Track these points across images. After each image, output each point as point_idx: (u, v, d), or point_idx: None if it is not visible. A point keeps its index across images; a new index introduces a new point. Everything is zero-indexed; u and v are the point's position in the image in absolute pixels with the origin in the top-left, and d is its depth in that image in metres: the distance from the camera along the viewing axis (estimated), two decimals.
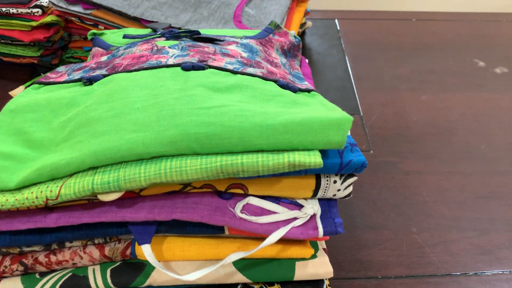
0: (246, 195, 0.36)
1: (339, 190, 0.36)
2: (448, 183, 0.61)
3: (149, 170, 0.31)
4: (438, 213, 0.58)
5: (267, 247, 0.36)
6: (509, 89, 0.78)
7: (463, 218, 0.57)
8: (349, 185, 0.36)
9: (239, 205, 0.35)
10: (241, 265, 0.36)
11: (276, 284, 0.38)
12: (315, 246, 0.38)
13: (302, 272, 0.36)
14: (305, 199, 0.37)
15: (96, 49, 0.54)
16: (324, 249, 0.39)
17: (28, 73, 0.76)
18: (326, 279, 0.38)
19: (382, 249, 0.54)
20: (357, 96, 0.76)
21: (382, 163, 0.64)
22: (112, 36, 0.56)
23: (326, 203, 0.37)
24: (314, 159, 0.31)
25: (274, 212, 0.35)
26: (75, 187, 0.31)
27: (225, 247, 0.36)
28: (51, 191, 0.31)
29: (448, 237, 0.55)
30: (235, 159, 0.31)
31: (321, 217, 0.36)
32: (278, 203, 0.36)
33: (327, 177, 0.36)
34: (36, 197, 0.31)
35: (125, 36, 0.54)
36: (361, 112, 0.72)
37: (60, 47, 0.76)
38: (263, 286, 0.37)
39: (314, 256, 0.37)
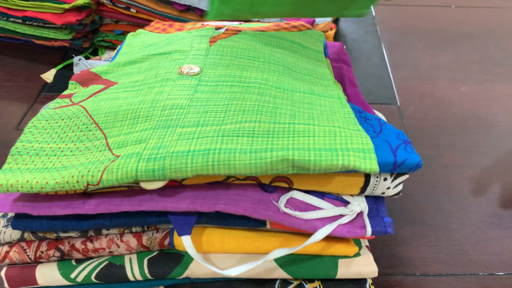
0: (290, 189, 0.34)
1: (388, 188, 0.34)
2: (489, 178, 0.58)
3: (197, 161, 0.29)
4: (480, 209, 0.55)
5: (310, 244, 0.34)
6: None
7: (506, 215, 0.54)
8: (399, 184, 0.34)
9: (283, 199, 0.33)
10: (282, 260, 0.34)
11: (316, 281, 0.36)
12: (358, 244, 0.36)
13: (346, 270, 0.34)
14: (351, 195, 0.34)
15: None
16: (367, 246, 0.37)
17: (60, 56, 0.75)
18: (369, 278, 0.36)
19: (420, 245, 0.51)
20: (394, 85, 0.72)
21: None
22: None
23: (374, 201, 0.35)
24: (370, 165, 0.29)
25: (319, 208, 0.33)
26: (118, 173, 0.29)
27: (266, 241, 0.34)
28: (92, 176, 0.30)
29: (490, 234, 0.52)
30: (286, 155, 0.29)
31: (368, 215, 0.34)
32: (323, 199, 0.34)
33: (377, 175, 0.33)
34: (77, 181, 0.30)
35: None
36: (398, 102, 0.69)
37: (91, 31, 0.74)
38: (302, 282, 0.36)
39: (357, 254, 0.35)
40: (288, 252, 0.31)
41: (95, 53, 0.77)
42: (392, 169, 0.32)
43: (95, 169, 0.30)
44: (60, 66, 0.71)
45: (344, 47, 0.63)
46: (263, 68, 0.40)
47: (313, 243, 0.34)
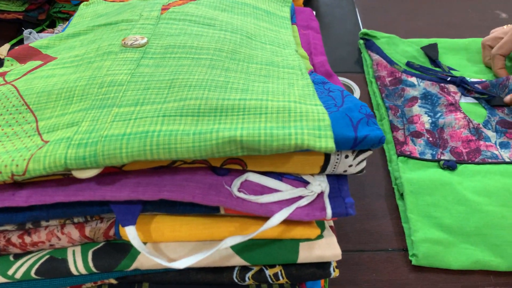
0: (244, 171, 0.31)
1: (350, 165, 0.31)
2: None
3: (132, 145, 0.26)
4: None
5: (266, 229, 0.31)
6: None
7: None
8: (362, 161, 0.31)
9: (236, 183, 0.30)
10: (239, 247, 0.32)
11: (278, 266, 0.33)
12: (321, 225, 0.33)
13: (307, 254, 0.32)
14: (312, 175, 0.32)
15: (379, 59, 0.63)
16: (331, 227, 0.35)
17: (14, 29, 0.70)
18: (333, 261, 0.34)
19: (393, 219, 0.49)
20: None
21: None
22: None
23: (336, 180, 0.32)
24: (326, 143, 0.26)
25: (277, 190, 0.30)
26: (45, 162, 0.26)
27: (221, 227, 0.31)
28: (17, 165, 0.26)
29: None
30: (234, 135, 0.26)
31: (329, 195, 0.31)
32: (281, 180, 0.31)
33: (338, 152, 0.30)
34: (0, 172, 0.26)
35: (408, 64, 0.62)
36: None
37: (47, 1, 0.69)
38: (263, 267, 0.33)
39: (320, 237, 0.33)
40: (242, 239, 0.29)
41: (52, 25, 0.71)
42: (352, 145, 0.29)
43: (20, 158, 0.26)
44: (14, 41, 0.66)
45: (314, 12, 0.59)
46: (218, 37, 0.37)
47: (271, 227, 0.31)
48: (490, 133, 0.54)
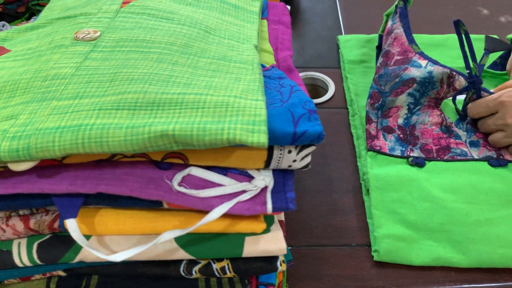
0: (187, 165, 0.31)
1: (294, 160, 0.31)
2: None
3: (65, 138, 0.26)
4: None
5: (213, 221, 0.31)
6: None
7: None
8: (306, 155, 0.31)
9: (178, 177, 0.30)
10: (184, 241, 0.32)
11: (225, 260, 0.33)
12: (269, 220, 0.33)
13: (252, 248, 0.32)
14: (257, 169, 0.32)
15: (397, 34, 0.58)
16: (280, 221, 0.35)
17: None
18: (280, 255, 0.34)
19: (359, 215, 0.49)
20: None
21: None
22: None
23: (281, 175, 0.32)
24: (258, 138, 0.26)
25: (220, 185, 0.30)
26: None
27: (165, 221, 0.31)
28: None
29: None
30: (166, 130, 0.26)
31: (273, 190, 0.31)
32: (226, 174, 0.31)
33: (281, 147, 0.30)
34: None
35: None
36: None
37: None
38: (211, 261, 0.33)
39: (267, 231, 0.33)
40: (180, 233, 0.29)
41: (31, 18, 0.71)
42: (292, 140, 0.29)
43: None
44: None
45: (289, 7, 0.59)
46: (174, 31, 0.37)
47: (216, 221, 0.31)
48: (461, 132, 0.54)
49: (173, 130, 0.26)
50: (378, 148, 0.52)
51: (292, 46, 0.69)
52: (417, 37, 0.67)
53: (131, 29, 0.36)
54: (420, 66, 0.54)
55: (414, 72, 0.54)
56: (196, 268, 0.33)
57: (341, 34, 0.72)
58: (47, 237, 0.32)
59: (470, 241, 0.44)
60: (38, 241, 0.31)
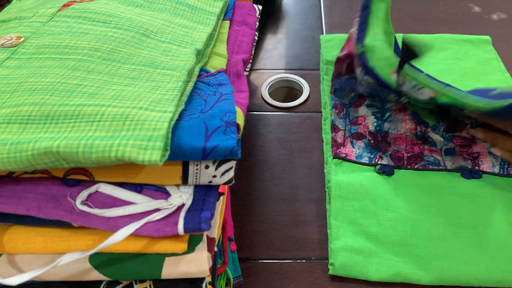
0: (95, 181, 0.28)
1: (214, 176, 0.28)
2: None
3: None
4: None
5: (129, 241, 0.29)
6: (508, 37, 0.65)
7: None
8: (226, 171, 0.28)
9: (83, 194, 0.27)
10: (98, 261, 0.29)
11: (148, 280, 0.31)
12: (196, 238, 0.31)
13: (171, 270, 0.29)
14: (177, 186, 0.29)
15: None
16: (211, 239, 0.32)
17: None
18: (207, 277, 0.31)
19: (321, 226, 0.46)
20: None
21: None
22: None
23: (204, 191, 0.29)
24: (150, 156, 0.23)
25: (131, 203, 0.28)
26: None
27: (78, 240, 0.29)
28: None
29: None
30: (50, 146, 0.23)
31: (190, 208, 0.28)
32: (140, 191, 0.28)
33: (197, 162, 0.28)
34: None
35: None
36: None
37: None
38: (133, 281, 0.31)
39: (191, 250, 0.30)
40: (80, 256, 0.26)
41: None
42: (203, 156, 0.26)
43: None
44: None
45: (260, 7, 0.56)
46: (105, 35, 0.34)
47: (133, 240, 0.29)
48: (437, 138, 0.50)
49: (57, 147, 0.23)
50: (344, 155, 0.49)
51: (273, 47, 0.66)
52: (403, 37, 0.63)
53: (58, 34, 0.34)
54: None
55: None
56: None
57: (323, 33, 0.68)
58: None
59: (433, 256, 0.40)
60: None
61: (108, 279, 0.29)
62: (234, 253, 0.41)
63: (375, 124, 0.51)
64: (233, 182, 0.29)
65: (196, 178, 0.28)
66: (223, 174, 0.28)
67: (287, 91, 0.63)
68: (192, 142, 0.26)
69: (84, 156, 0.23)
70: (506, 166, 0.47)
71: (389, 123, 0.50)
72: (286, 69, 0.63)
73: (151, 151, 0.23)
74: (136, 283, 0.31)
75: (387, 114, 0.50)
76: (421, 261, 0.40)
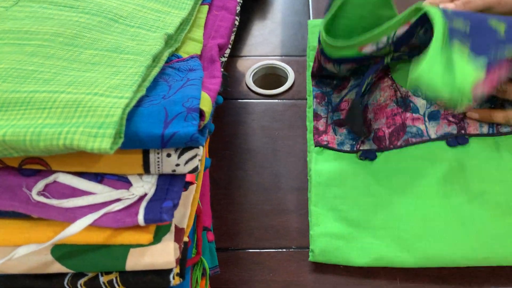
0: (52, 171, 0.27)
1: (177, 165, 0.27)
2: None
3: None
4: None
5: (92, 232, 0.28)
6: None
7: None
8: (190, 159, 0.27)
9: (39, 185, 0.26)
10: (60, 253, 0.28)
11: (114, 272, 0.30)
12: (164, 229, 0.29)
13: (135, 261, 0.28)
14: (140, 175, 0.28)
15: None
16: (179, 229, 0.31)
17: None
18: (174, 268, 0.30)
19: (302, 215, 0.45)
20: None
21: None
22: None
23: (168, 180, 0.28)
24: (100, 144, 0.22)
25: (90, 193, 0.27)
26: None
27: (39, 231, 0.28)
28: None
29: None
30: None
31: (153, 198, 0.27)
32: (101, 181, 0.27)
33: (158, 151, 0.26)
34: None
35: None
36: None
37: None
38: (99, 273, 0.30)
39: (157, 241, 0.29)
40: (36, 248, 0.25)
41: None
42: (161, 144, 0.25)
43: None
44: None
45: None
46: (69, 20, 0.33)
47: (96, 231, 0.28)
48: (419, 102, 0.47)
49: (3, 136, 0.22)
50: (325, 143, 0.47)
51: (259, 33, 0.64)
52: None
53: (21, 20, 0.32)
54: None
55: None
56: (82, 281, 0.29)
57: (309, 19, 0.66)
58: None
59: (416, 237, 0.39)
60: None
61: (71, 271, 0.29)
62: (212, 243, 0.40)
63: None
64: (198, 170, 0.28)
65: (158, 167, 0.27)
66: (186, 162, 0.27)
67: (272, 78, 0.61)
68: (149, 129, 0.25)
69: (31, 144, 0.22)
70: (495, 124, 0.45)
71: (368, 95, 0.49)
72: (271, 56, 0.61)
73: (101, 138, 0.22)
74: (101, 275, 0.30)
75: (367, 88, 0.48)
76: (404, 243, 0.39)
